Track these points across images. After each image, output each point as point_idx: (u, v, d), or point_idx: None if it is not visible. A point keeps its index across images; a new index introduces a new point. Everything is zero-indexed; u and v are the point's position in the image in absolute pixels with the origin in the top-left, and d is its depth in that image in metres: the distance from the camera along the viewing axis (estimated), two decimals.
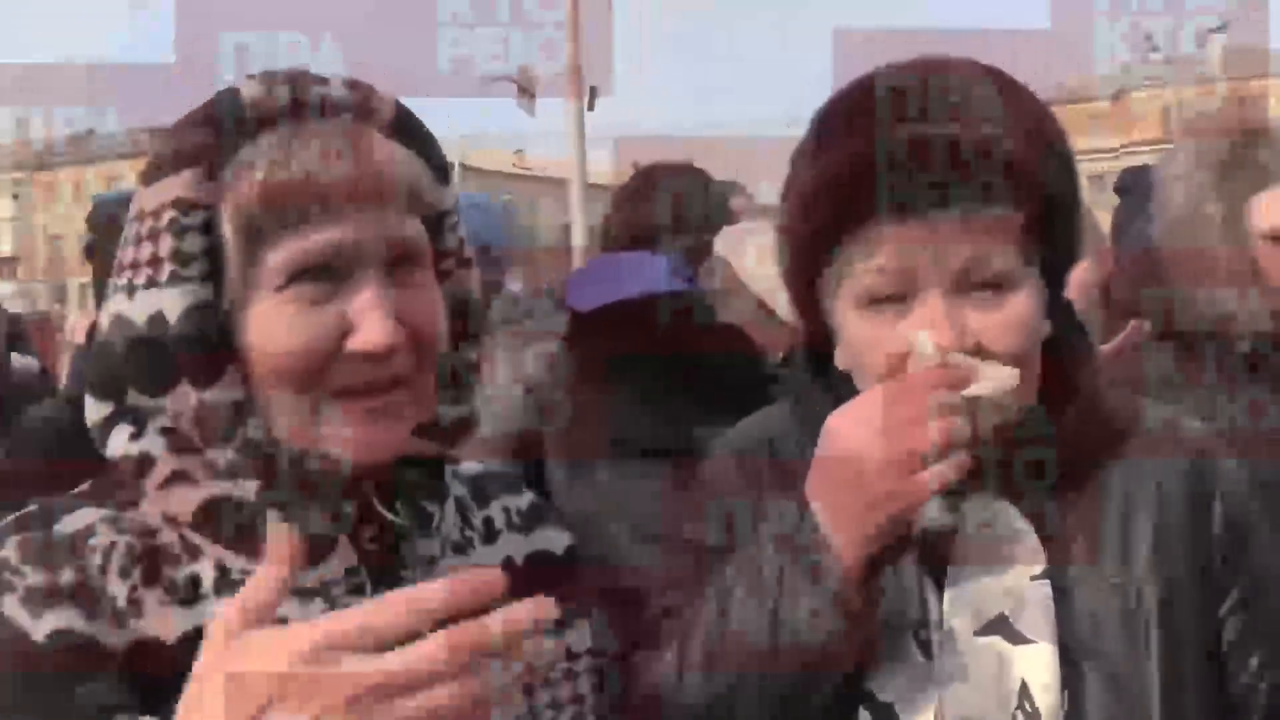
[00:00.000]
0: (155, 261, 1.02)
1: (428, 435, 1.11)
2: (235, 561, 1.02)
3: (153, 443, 1.02)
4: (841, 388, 1.32)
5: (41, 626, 0.95)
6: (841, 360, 1.35)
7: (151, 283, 1.02)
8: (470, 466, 1.26)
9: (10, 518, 1.02)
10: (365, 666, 0.75)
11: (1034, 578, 1.26)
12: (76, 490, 1.07)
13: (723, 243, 2.73)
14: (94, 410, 1.05)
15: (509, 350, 2.67)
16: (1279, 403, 2.01)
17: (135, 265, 1.04)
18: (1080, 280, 2.35)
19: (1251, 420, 1.96)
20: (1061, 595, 1.25)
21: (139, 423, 1.03)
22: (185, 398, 1.02)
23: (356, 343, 1.00)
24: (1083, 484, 1.31)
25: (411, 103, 1.13)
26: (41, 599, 0.96)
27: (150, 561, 1.01)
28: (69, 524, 1.01)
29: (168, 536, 1.02)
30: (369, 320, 1.00)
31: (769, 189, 1.41)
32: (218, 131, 1.03)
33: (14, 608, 0.95)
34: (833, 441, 1.21)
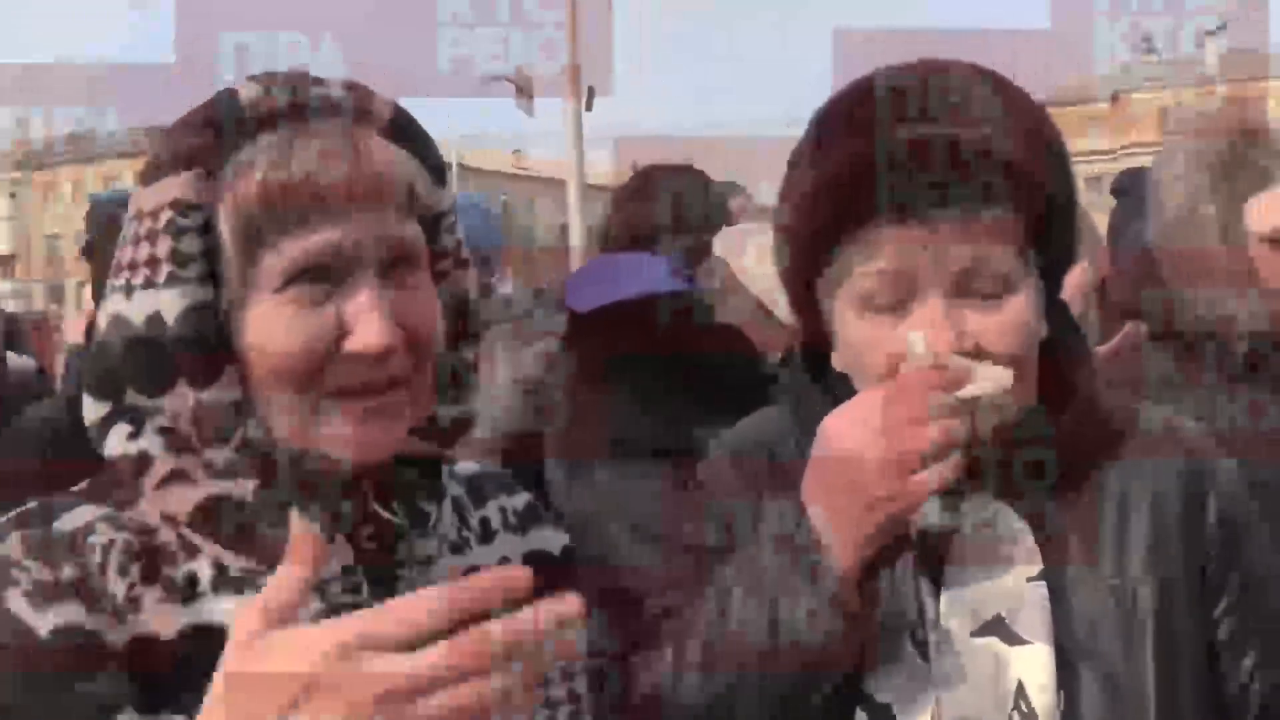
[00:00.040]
0: (153, 262, 1.02)
1: (425, 435, 1.12)
2: (233, 560, 1.02)
3: (151, 442, 1.03)
4: (839, 389, 1.32)
5: (46, 622, 0.95)
6: (840, 362, 1.35)
7: (149, 283, 1.02)
8: (467, 466, 1.26)
9: (10, 515, 1.02)
10: (394, 665, 0.75)
11: (1030, 579, 1.26)
12: (75, 489, 1.08)
13: (722, 243, 2.72)
14: (92, 410, 1.06)
15: (509, 350, 2.67)
16: (1278, 403, 2.02)
17: (133, 266, 1.04)
18: (1077, 282, 2.36)
19: (1251, 420, 1.96)
20: (1058, 596, 1.26)
21: (137, 422, 1.03)
22: (183, 398, 1.02)
23: (353, 344, 1.01)
24: (1079, 485, 1.31)
25: (411, 102, 1.13)
26: (45, 594, 0.96)
27: (149, 559, 1.01)
28: (69, 521, 1.01)
29: (166, 535, 1.03)
30: (366, 322, 1.01)
31: (769, 189, 1.41)
32: (216, 133, 1.03)
33: (18, 603, 0.95)
34: (830, 442, 1.21)
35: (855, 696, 1.25)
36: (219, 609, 1.00)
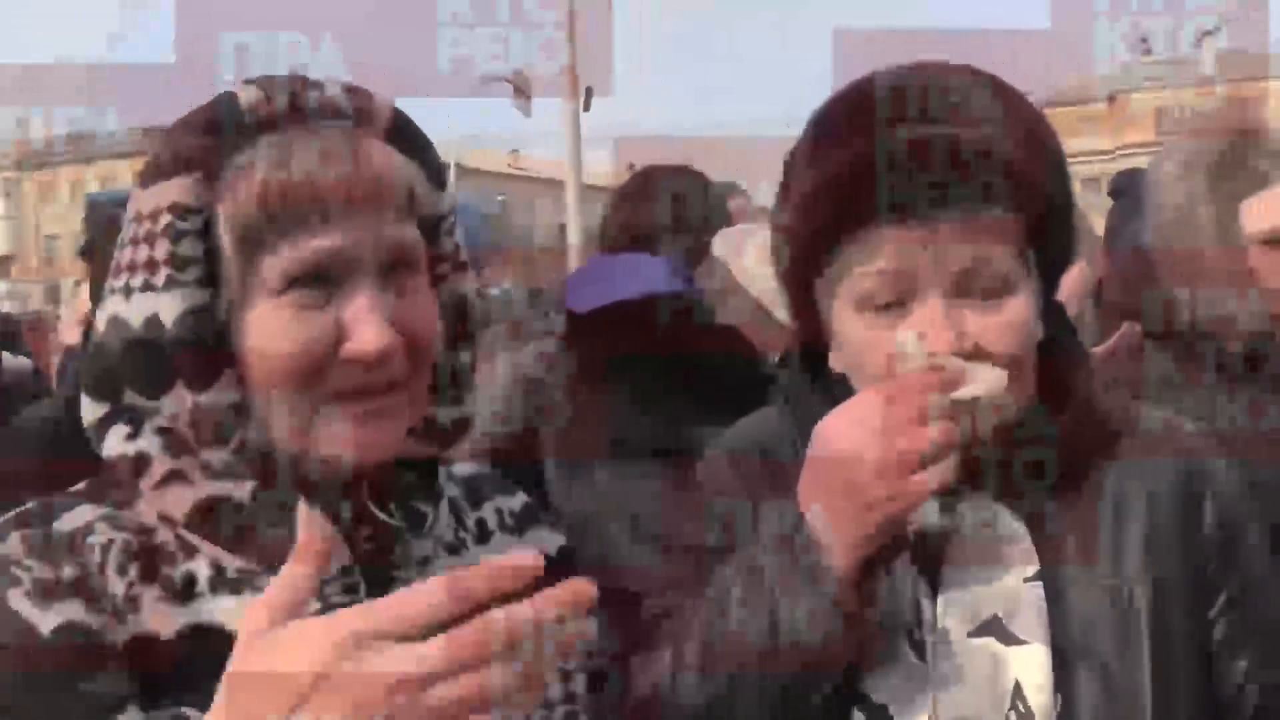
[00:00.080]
0: (152, 265, 1.03)
1: (424, 436, 1.13)
2: (231, 560, 1.03)
3: (149, 443, 1.03)
4: (836, 390, 1.32)
5: (48, 620, 0.95)
6: (838, 362, 1.35)
7: (148, 286, 1.03)
8: (464, 468, 1.26)
9: (9, 515, 1.03)
10: (399, 657, 0.75)
11: (1027, 579, 1.26)
12: (73, 489, 1.08)
13: (721, 244, 2.72)
14: (90, 410, 1.06)
15: (509, 350, 2.67)
16: (1278, 403, 2.02)
17: (132, 267, 1.04)
18: (1074, 283, 2.36)
19: (1251, 420, 1.96)
20: (1055, 596, 1.26)
21: (135, 423, 1.04)
22: (181, 400, 1.02)
23: (352, 349, 1.01)
24: (1076, 486, 1.31)
25: (410, 103, 1.13)
26: (47, 593, 0.96)
27: (147, 559, 1.01)
28: (68, 521, 1.01)
29: (164, 535, 1.03)
30: (364, 326, 1.01)
31: (769, 189, 1.41)
32: (216, 136, 1.03)
33: (20, 601, 0.95)
34: (827, 443, 1.21)
35: (852, 697, 1.25)
36: (217, 609, 1.00)
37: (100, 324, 1.06)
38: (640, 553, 2.01)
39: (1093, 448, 1.34)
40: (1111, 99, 52.03)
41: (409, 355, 1.04)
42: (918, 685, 1.24)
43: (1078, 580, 1.28)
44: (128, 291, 1.04)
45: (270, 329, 1.01)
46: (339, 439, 1.03)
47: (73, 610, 0.96)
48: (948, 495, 1.23)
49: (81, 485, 1.08)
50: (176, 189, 1.02)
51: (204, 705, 0.81)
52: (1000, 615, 1.25)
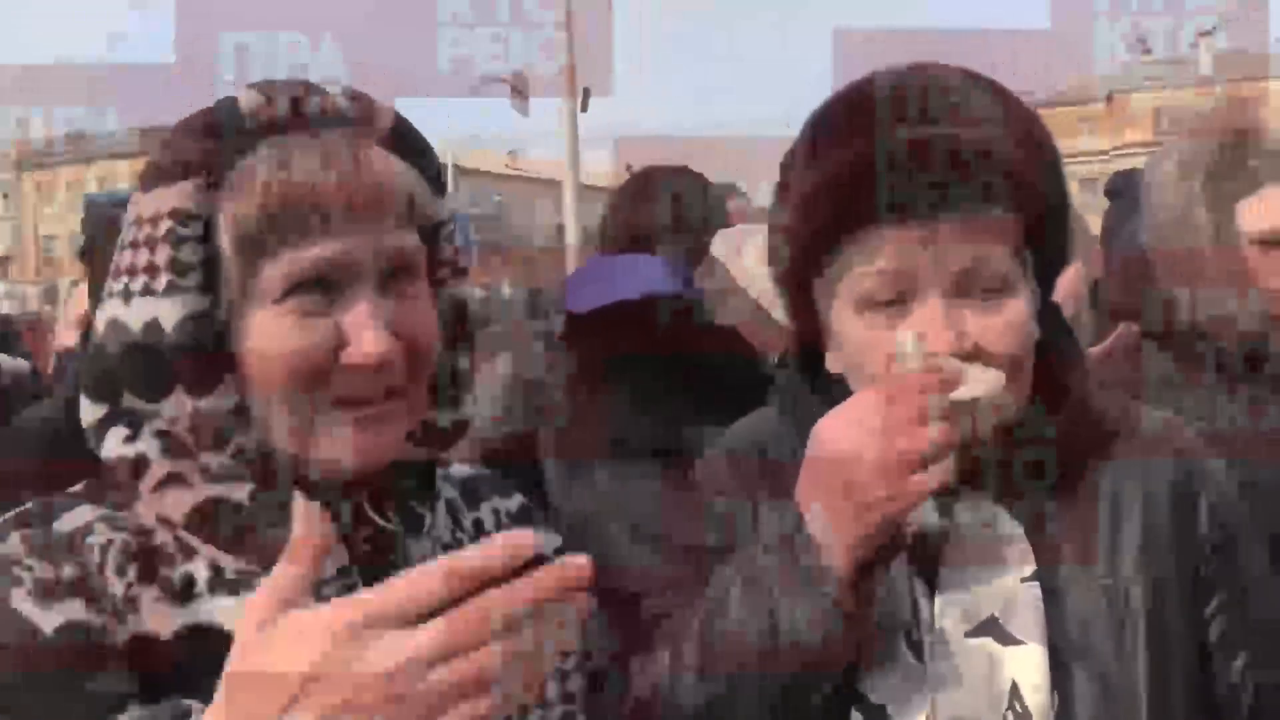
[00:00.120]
0: (152, 269, 1.03)
1: (423, 439, 1.13)
2: (229, 562, 1.03)
3: (148, 445, 1.03)
4: (834, 391, 1.32)
5: (50, 620, 0.95)
6: (836, 363, 1.35)
7: (148, 290, 1.03)
8: (461, 469, 1.27)
9: (9, 515, 1.03)
10: (396, 643, 0.74)
11: (1024, 579, 1.26)
12: (72, 489, 1.08)
13: (721, 244, 2.72)
14: (89, 411, 1.06)
15: (509, 350, 2.67)
16: (1278, 403, 2.02)
17: (132, 271, 1.04)
18: (1070, 283, 2.36)
19: (1251, 420, 1.96)
20: (1051, 597, 1.26)
21: (134, 425, 1.04)
22: (181, 405, 1.02)
23: (351, 356, 1.02)
24: (1072, 486, 1.32)
25: (410, 103, 1.13)
26: (49, 593, 0.96)
27: (146, 560, 1.01)
28: (68, 521, 1.02)
29: (163, 536, 1.03)
30: (364, 333, 1.01)
31: (769, 189, 1.41)
32: (217, 142, 1.03)
33: (23, 601, 0.96)
34: (825, 444, 1.21)
35: (850, 697, 1.25)
36: (216, 610, 1.00)
37: (100, 326, 1.06)
38: (639, 553, 2.01)
39: (1089, 448, 1.34)
40: (1109, 99, 52.04)
41: (408, 361, 1.05)
42: (915, 685, 1.24)
43: (1075, 580, 1.28)
44: (127, 295, 1.04)
45: (271, 335, 1.02)
46: (338, 444, 1.03)
47: (74, 610, 0.96)
48: (944, 496, 1.24)
49: (80, 486, 1.08)
50: (178, 194, 1.02)
51: (203, 705, 0.81)
52: (997, 615, 1.25)
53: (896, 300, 1.25)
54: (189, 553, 1.03)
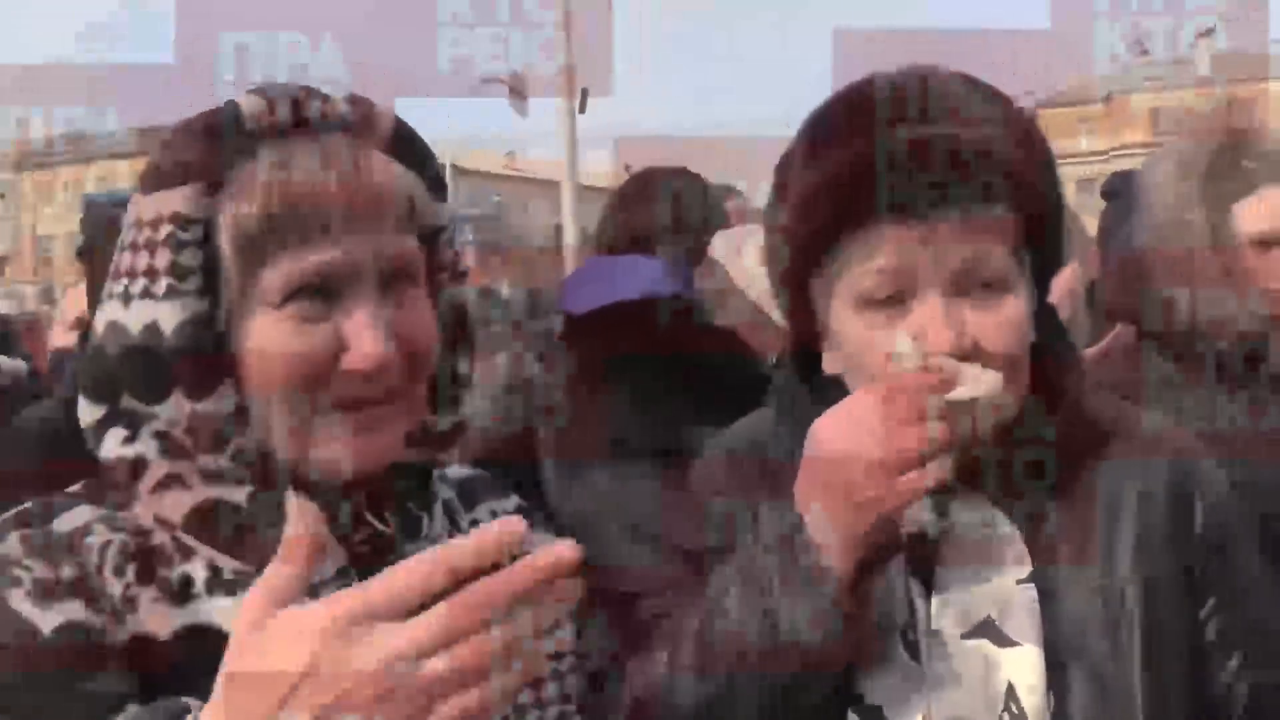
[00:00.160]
0: (151, 273, 1.03)
1: (421, 442, 1.13)
2: (228, 562, 1.03)
3: (146, 446, 1.03)
4: (831, 391, 1.32)
5: (49, 620, 0.95)
6: (834, 363, 1.35)
7: (148, 293, 1.03)
8: (458, 470, 1.27)
9: (8, 515, 1.03)
10: (396, 632, 0.75)
11: (1020, 581, 1.27)
12: (71, 490, 1.08)
13: (720, 245, 2.72)
14: (88, 412, 1.06)
15: (508, 350, 2.67)
16: (1277, 403, 2.02)
17: (132, 273, 1.04)
18: (1066, 284, 2.36)
19: (1250, 420, 1.96)
20: (1047, 597, 1.26)
21: (133, 426, 1.04)
22: (180, 407, 1.03)
23: (351, 361, 1.02)
24: (1068, 487, 1.32)
25: (410, 103, 1.13)
26: (47, 593, 0.96)
27: (144, 560, 1.01)
28: (67, 521, 1.02)
29: (161, 536, 1.03)
30: (363, 339, 1.02)
31: (768, 190, 1.41)
32: (217, 145, 1.03)
33: (22, 602, 0.96)
34: (822, 443, 1.22)
35: (847, 698, 1.25)
36: (214, 610, 1.00)
37: (99, 327, 1.07)
38: (638, 553, 2.01)
39: (1084, 449, 1.34)
40: (1108, 99, 52.03)
41: (407, 365, 1.05)
42: (912, 686, 1.24)
43: (1070, 581, 1.28)
44: (127, 298, 1.04)
45: (270, 340, 1.02)
46: (337, 446, 1.04)
47: (73, 610, 0.96)
48: (940, 496, 1.24)
49: (79, 486, 1.09)
50: (178, 198, 1.03)
51: (201, 704, 0.81)
52: (993, 617, 1.25)
53: (895, 299, 1.25)
54: (187, 553, 1.03)
